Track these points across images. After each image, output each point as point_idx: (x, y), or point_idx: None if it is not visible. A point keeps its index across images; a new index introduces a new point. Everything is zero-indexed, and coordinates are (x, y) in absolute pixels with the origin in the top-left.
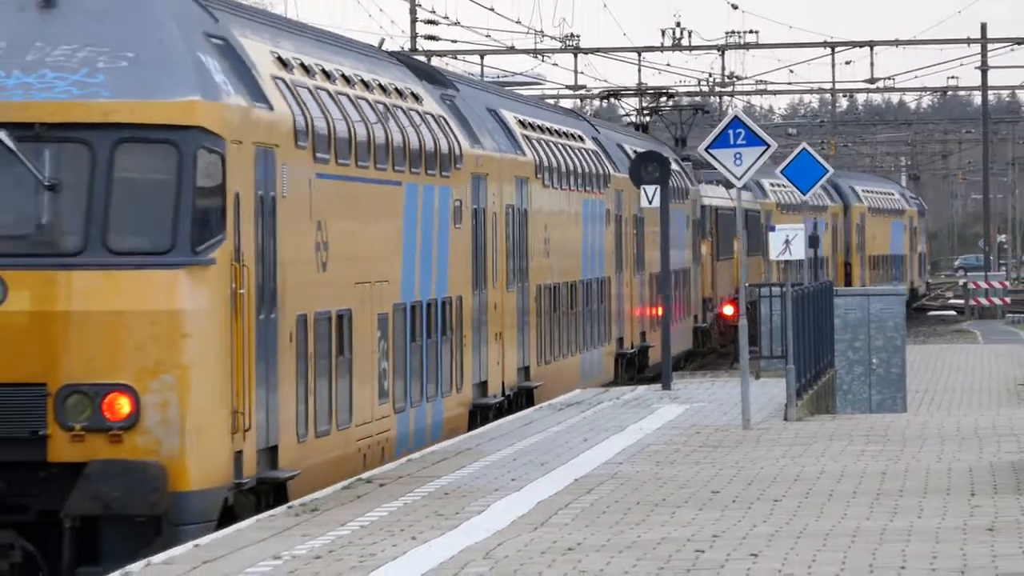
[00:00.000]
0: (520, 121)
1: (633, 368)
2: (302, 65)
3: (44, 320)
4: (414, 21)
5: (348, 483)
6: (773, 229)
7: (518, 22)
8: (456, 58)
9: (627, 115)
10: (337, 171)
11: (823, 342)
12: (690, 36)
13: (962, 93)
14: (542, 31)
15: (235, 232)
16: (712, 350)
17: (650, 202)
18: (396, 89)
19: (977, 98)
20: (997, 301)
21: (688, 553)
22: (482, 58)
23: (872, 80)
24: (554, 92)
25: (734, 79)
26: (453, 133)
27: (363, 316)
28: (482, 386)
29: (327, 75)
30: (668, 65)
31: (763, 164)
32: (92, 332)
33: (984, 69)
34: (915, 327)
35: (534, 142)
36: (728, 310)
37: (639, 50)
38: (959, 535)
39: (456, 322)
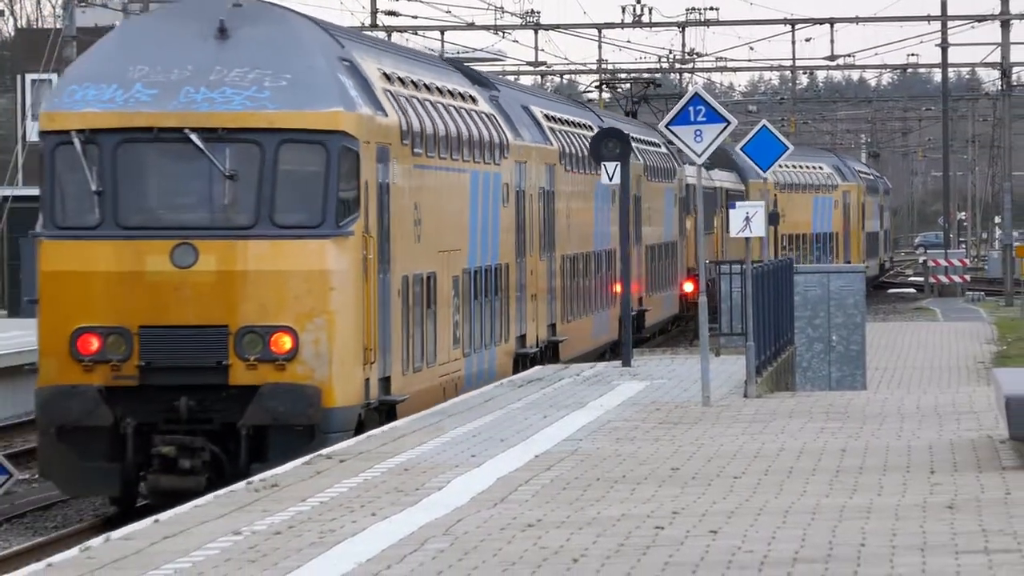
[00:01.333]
0: (545, 115)
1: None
2: (399, 78)
3: (226, 278)
4: None
5: (308, 459)
6: (733, 207)
7: None
8: (416, 34)
9: (587, 91)
10: (427, 163)
11: (783, 319)
12: (650, 13)
13: (922, 71)
14: (502, 7)
15: (365, 211)
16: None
17: (610, 179)
18: (459, 93)
19: (937, 76)
20: (957, 279)
21: (648, 530)
22: (442, 34)
23: (832, 57)
24: (514, 69)
25: (694, 56)
26: (501, 128)
27: (443, 278)
28: (522, 338)
29: (415, 85)
30: (628, 42)
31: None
32: (262, 287)
33: (944, 47)
34: (875, 304)
35: (557, 133)
36: (688, 287)
37: (599, 27)
38: (919, 512)
39: (504, 285)
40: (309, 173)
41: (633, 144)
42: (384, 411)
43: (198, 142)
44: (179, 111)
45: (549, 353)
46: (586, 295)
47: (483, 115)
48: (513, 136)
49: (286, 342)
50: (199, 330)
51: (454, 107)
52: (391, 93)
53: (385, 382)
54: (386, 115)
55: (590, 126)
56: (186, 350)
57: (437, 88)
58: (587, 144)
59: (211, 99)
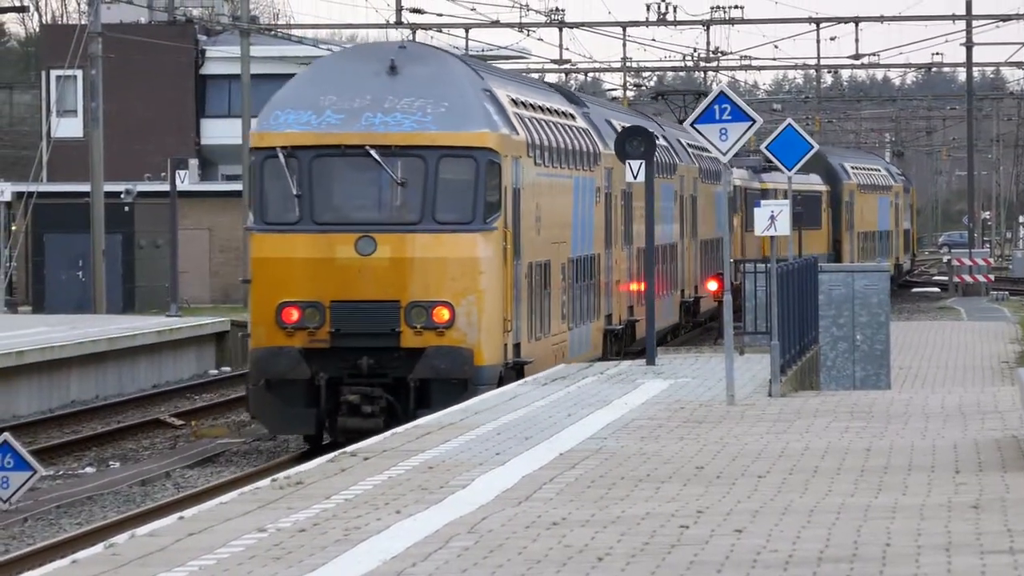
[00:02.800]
0: (623, 127)
1: (688, 313)
2: (522, 102)
3: (398, 263)
4: None
5: (333, 456)
6: (758, 204)
7: None
8: (441, 31)
9: (612, 90)
10: (544, 171)
11: (807, 318)
12: (675, 11)
13: (947, 70)
14: (527, 5)
15: (504, 211)
16: (700, 323)
17: (635, 177)
18: (562, 112)
19: (962, 75)
20: (981, 278)
21: (672, 528)
22: (467, 31)
23: (857, 56)
24: (539, 66)
25: (719, 54)
26: (593, 140)
27: (555, 265)
28: (608, 317)
29: (533, 107)
30: (653, 40)
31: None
32: (426, 270)
33: (969, 46)
34: (899, 304)
35: None
36: (712, 285)
37: (624, 25)
38: (944, 512)
39: (597, 271)
40: (463, 181)
41: (689, 149)
42: (516, 370)
43: (376, 156)
44: (361, 132)
45: (629, 331)
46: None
47: (580, 130)
48: (603, 147)
49: (445, 314)
50: (377, 304)
51: (560, 124)
52: (518, 115)
53: (517, 347)
54: (517, 133)
55: (657, 136)
56: (367, 320)
57: (547, 108)
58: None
59: (386, 122)
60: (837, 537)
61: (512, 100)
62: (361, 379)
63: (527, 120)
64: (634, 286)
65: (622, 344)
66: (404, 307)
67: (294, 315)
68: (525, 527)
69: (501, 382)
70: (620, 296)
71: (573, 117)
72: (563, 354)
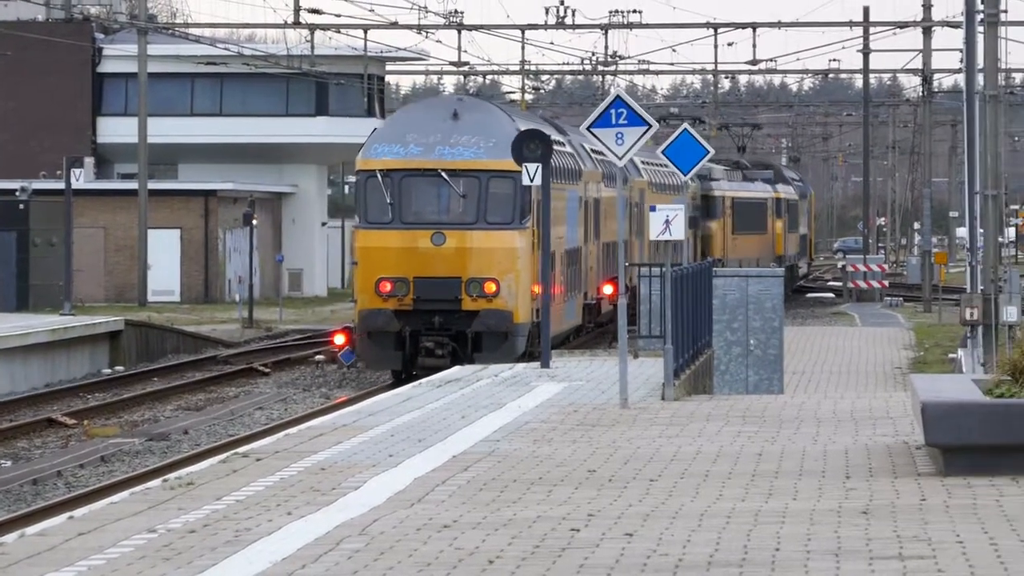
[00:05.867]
0: (593, 150)
1: (591, 314)
2: None
3: (461, 251)
4: None
5: (224, 457)
6: (653, 209)
7: None
8: (340, 32)
9: (511, 93)
10: (553, 186)
11: (702, 322)
12: (573, 15)
13: (843, 76)
14: (426, 7)
15: (533, 215)
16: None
17: (531, 180)
18: (557, 140)
19: (858, 81)
20: (875, 284)
21: (564, 532)
22: (365, 32)
23: (754, 62)
24: (437, 69)
25: (617, 58)
26: (577, 161)
27: (559, 254)
28: (586, 294)
29: None
30: (552, 43)
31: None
32: (480, 256)
33: (866, 52)
34: (793, 309)
35: (599, 162)
36: (608, 289)
37: (523, 28)
38: (834, 518)
39: (580, 259)
40: (505, 194)
41: (640, 164)
42: (538, 327)
43: (445, 177)
44: (434, 160)
45: (596, 305)
46: (616, 268)
47: (568, 154)
48: (582, 166)
49: (492, 287)
50: (446, 279)
51: (558, 151)
52: None
53: (537, 312)
54: None
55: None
56: (438, 290)
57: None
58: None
59: (452, 153)
60: (727, 542)
61: None
62: (433, 332)
63: None
64: (601, 272)
65: (593, 314)
66: (464, 282)
67: (388, 287)
68: (416, 529)
69: (529, 336)
70: (592, 278)
71: (564, 144)
72: (563, 317)
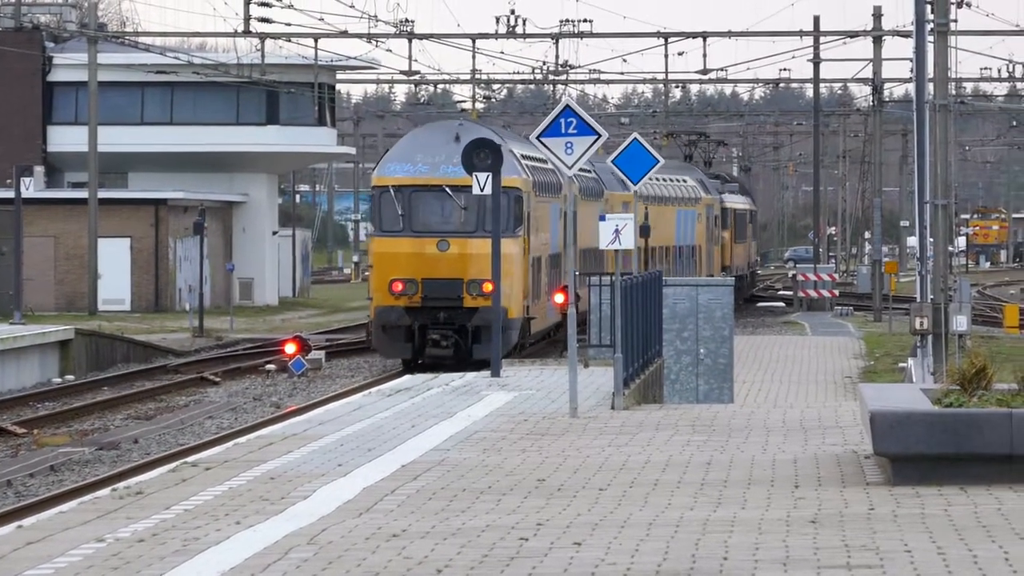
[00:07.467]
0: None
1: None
2: (524, 155)
3: (463, 256)
4: (248, 2)
5: (174, 466)
6: (603, 218)
7: (352, 6)
8: (290, 40)
9: (462, 102)
10: (540, 200)
11: (652, 332)
12: (524, 24)
13: (794, 85)
14: (376, 16)
15: (525, 225)
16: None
17: (482, 189)
18: (541, 158)
19: (809, 90)
20: (826, 293)
21: (512, 541)
22: (316, 41)
23: (705, 71)
24: (388, 78)
25: (568, 68)
26: (558, 176)
27: (543, 259)
28: None
29: (529, 158)
30: (502, 53)
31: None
32: (479, 260)
33: (816, 62)
34: (744, 318)
35: (580, 178)
36: (559, 298)
37: (473, 37)
38: (782, 527)
39: (560, 263)
40: (502, 207)
41: (659, 179)
42: (527, 322)
43: (449, 192)
44: (439, 177)
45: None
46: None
47: (551, 170)
48: (564, 181)
49: (490, 287)
50: (450, 280)
51: (543, 168)
52: (526, 165)
53: (527, 308)
54: (530, 177)
55: (589, 169)
56: (443, 290)
57: (536, 158)
58: (597, 181)
59: (454, 171)
60: (675, 551)
61: (522, 155)
62: (439, 326)
63: (529, 168)
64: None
65: None
66: (466, 282)
67: (399, 287)
68: (365, 539)
69: (522, 328)
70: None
71: (546, 161)
72: (546, 313)
